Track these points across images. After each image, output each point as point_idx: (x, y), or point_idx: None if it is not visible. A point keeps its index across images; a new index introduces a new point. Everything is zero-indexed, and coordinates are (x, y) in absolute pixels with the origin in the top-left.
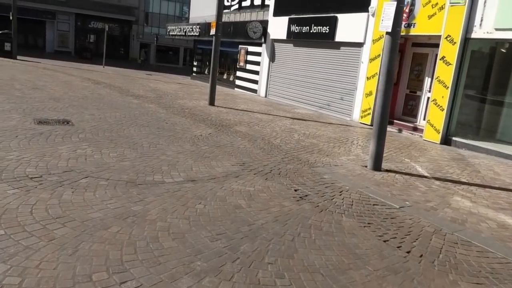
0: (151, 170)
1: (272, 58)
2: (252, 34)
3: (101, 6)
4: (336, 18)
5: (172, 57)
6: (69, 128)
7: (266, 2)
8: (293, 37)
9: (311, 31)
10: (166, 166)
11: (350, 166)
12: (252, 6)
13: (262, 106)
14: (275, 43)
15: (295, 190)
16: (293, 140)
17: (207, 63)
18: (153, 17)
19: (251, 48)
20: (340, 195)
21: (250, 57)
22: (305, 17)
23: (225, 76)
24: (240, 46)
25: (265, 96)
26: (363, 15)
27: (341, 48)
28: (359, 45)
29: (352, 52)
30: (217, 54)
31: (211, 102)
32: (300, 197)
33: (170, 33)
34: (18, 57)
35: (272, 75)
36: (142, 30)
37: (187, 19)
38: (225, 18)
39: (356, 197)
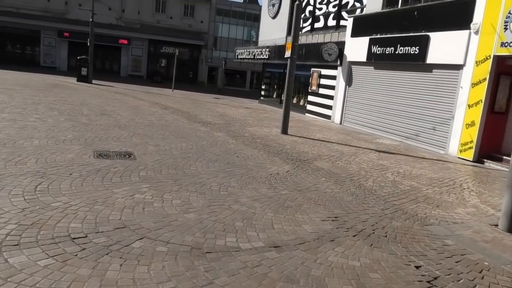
0: (223, 227)
1: (349, 82)
2: (327, 56)
3: (173, 32)
4: (427, 37)
5: (239, 81)
6: (130, 163)
7: (342, 23)
8: (374, 59)
9: (397, 52)
10: (240, 221)
11: (475, 225)
12: (325, 27)
13: (339, 135)
14: (352, 66)
15: (417, 268)
16: (388, 181)
17: (275, 87)
18: (222, 41)
19: (324, 71)
20: (482, 278)
21: (324, 81)
22: (389, 36)
23: (294, 101)
24: (312, 69)
25: (340, 123)
26: (463, 33)
27: (434, 71)
28: (457, 67)
29: (448, 76)
30: (292, 78)
31: (284, 130)
32: (429, 282)
33: (239, 57)
34: (93, 81)
35: (349, 100)
36: (211, 54)
37: (255, 42)
38: None
39: (506, 283)
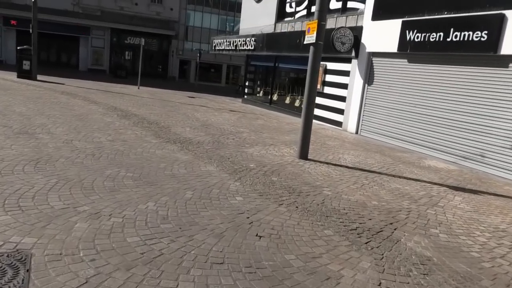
0: None
1: (368, 79)
2: (339, 45)
3: (138, 20)
4: (502, 17)
5: (214, 75)
6: None
7: (350, 5)
8: (410, 49)
9: (448, 40)
10: None
11: None
12: (327, 11)
13: (371, 154)
14: (373, 58)
15: None
16: None
17: (259, 83)
18: (194, 32)
19: (332, 65)
20: None
21: (331, 77)
22: (435, 18)
23: (287, 101)
24: None
25: (357, 133)
26: None
27: (511, 65)
28: None
29: None
30: (317, 75)
31: (303, 154)
32: None
33: (216, 48)
34: (39, 77)
35: (368, 103)
36: (182, 45)
37: (231, 33)
38: (287, 28)
39: None
